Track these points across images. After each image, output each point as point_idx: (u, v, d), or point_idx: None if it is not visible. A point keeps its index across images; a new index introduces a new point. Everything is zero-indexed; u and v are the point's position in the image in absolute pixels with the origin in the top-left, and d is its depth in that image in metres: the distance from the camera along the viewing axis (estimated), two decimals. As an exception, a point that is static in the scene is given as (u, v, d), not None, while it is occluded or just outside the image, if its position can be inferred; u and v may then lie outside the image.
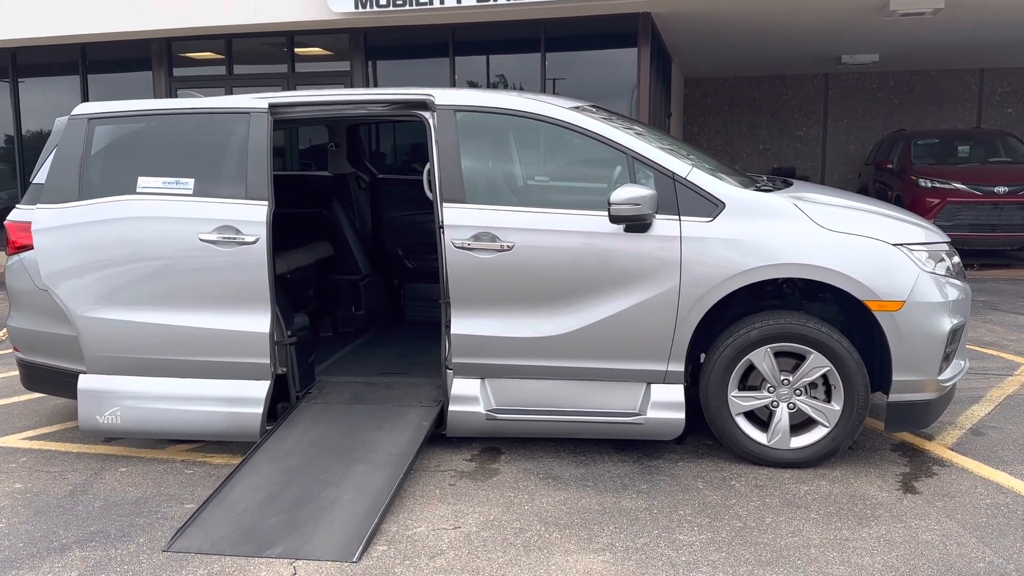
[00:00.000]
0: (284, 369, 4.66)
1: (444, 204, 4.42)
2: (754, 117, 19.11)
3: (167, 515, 3.92)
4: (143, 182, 4.61)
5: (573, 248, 4.27)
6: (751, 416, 4.40)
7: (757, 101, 19.08)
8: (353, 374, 5.11)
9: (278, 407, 4.77)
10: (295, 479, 4.01)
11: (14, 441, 4.96)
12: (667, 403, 4.34)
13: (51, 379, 4.87)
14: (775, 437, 4.32)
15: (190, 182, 4.57)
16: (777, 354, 4.29)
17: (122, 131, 4.78)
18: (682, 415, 4.33)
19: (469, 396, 4.49)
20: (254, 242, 4.43)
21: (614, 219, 4.12)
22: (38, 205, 4.70)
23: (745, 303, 4.47)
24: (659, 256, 4.21)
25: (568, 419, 4.40)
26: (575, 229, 4.29)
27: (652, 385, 4.37)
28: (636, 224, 4.17)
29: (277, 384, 4.66)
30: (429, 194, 4.55)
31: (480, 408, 4.46)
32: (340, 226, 6.24)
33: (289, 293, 5.66)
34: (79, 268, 4.57)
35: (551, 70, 11.49)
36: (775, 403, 4.33)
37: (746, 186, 4.49)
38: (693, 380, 4.52)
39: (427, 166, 4.55)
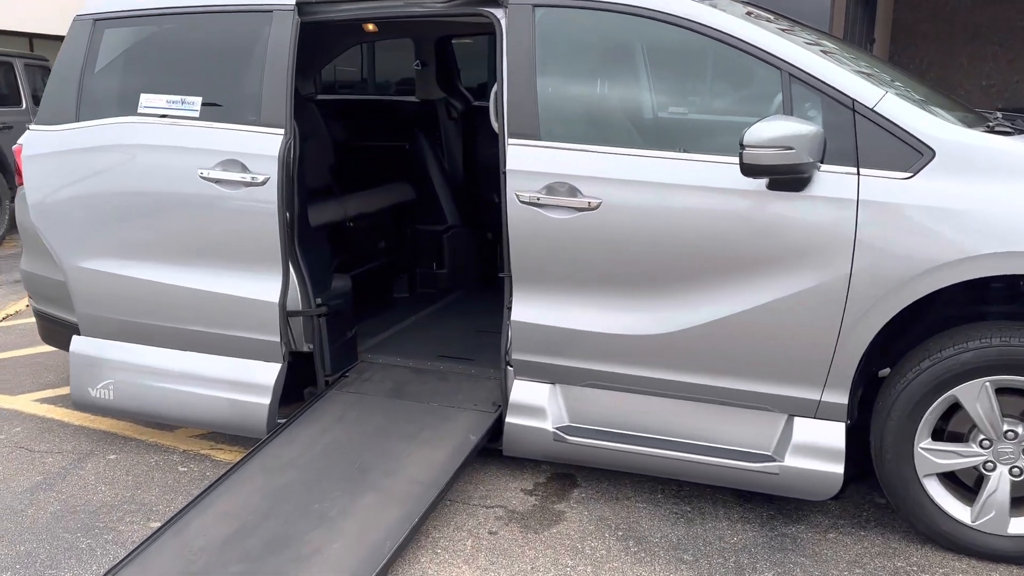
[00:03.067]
0: (310, 346, 3.63)
1: (509, 140, 3.15)
2: (978, 47, 16.08)
3: (120, 537, 3.02)
4: (145, 100, 3.63)
5: (687, 211, 2.90)
6: (949, 478, 2.91)
7: (983, 27, 16.01)
8: (406, 354, 4.00)
9: (305, 392, 3.76)
10: (280, 506, 2.98)
11: (23, 402, 4.27)
12: (817, 448, 2.92)
13: (60, 333, 4.10)
14: (985, 515, 2.82)
15: (197, 101, 3.55)
16: (1000, 390, 2.76)
17: (134, 36, 3.82)
18: (839, 468, 2.90)
19: (533, 406, 3.27)
20: (262, 183, 3.36)
21: (749, 169, 2.69)
22: (31, 126, 3.86)
23: (950, 307, 2.93)
24: (820, 228, 2.76)
25: (668, 454, 3.09)
26: (691, 183, 2.90)
27: (796, 419, 2.96)
28: (785, 178, 2.73)
29: (306, 364, 3.64)
30: (495, 124, 3.29)
31: (547, 424, 3.23)
32: (424, 164, 5.10)
33: (348, 245, 4.61)
34: (68, 206, 3.70)
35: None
36: (990, 464, 2.81)
37: (971, 125, 2.90)
38: (860, 414, 3.05)
39: (494, 87, 3.28)
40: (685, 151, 2.95)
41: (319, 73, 4.89)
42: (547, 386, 3.26)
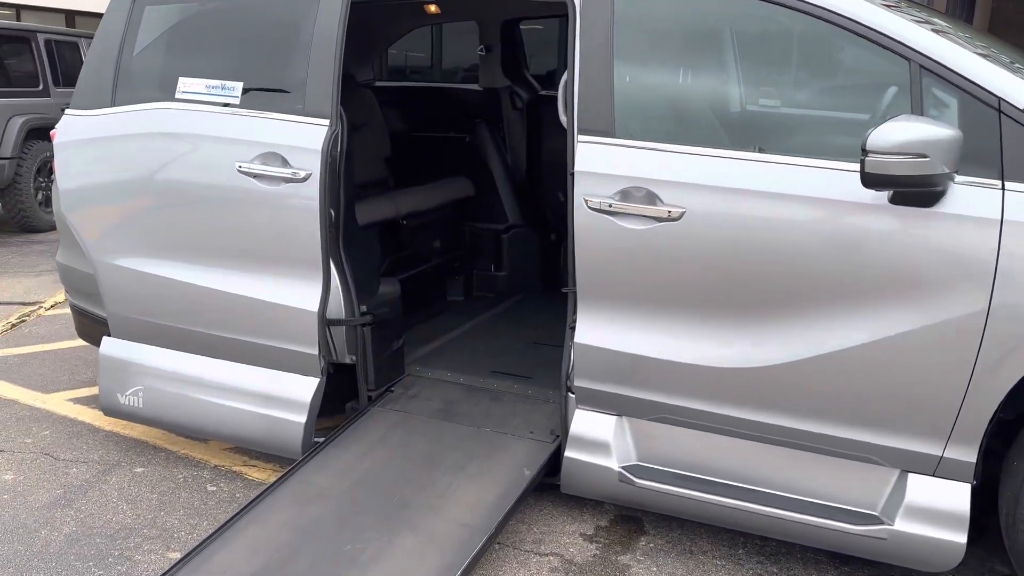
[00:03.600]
0: (353, 358, 3.30)
1: (580, 137, 2.74)
2: (1084, 39, 14.96)
3: (135, 569, 2.73)
4: (184, 85, 3.33)
5: (788, 226, 2.46)
6: (1099, 558, 2.42)
7: (1091, 18, 14.87)
8: (457, 368, 3.65)
9: (347, 407, 3.44)
10: (310, 544, 2.65)
11: (55, 402, 4.06)
12: (935, 511, 2.46)
13: (94, 330, 3.84)
14: None
15: (238, 87, 3.24)
16: None
17: (176, 15, 3.53)
18: (962, 537, 2.44)
19: (597, 440, 2.87)
20: (304, 179, 3.03)
21: (872, 179, 2.24)
22: (67, 110, 3.60)
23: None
24: (952, 253, 2.29)
25: (755, 508, 2.66)
26: (793, 193, 2.45)
27: (911, 476, 2.50)
28: (914, 191, 2.27)
29: (349, 374, 3.32)
30: (563, 118, 2.89)
31: (612, 462, 2.83)
32: (485, 157, 4.73)
33: (400, 245, 4.28)
34: (98, 198, 3.43)
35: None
36: None
37: None
38: (986, 473, 2.58)
39: (563, 76, 2.88)
40: (785, 154, 2.51)
41: (381, 58, 4.57)
42: (613, 418, 2.86)
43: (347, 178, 3.25)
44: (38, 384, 4.25)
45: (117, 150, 3.37)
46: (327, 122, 3.04)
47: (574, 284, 2.81)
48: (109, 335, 3.54)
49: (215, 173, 3.18)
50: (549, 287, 4.81)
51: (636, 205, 2.63)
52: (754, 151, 2.55)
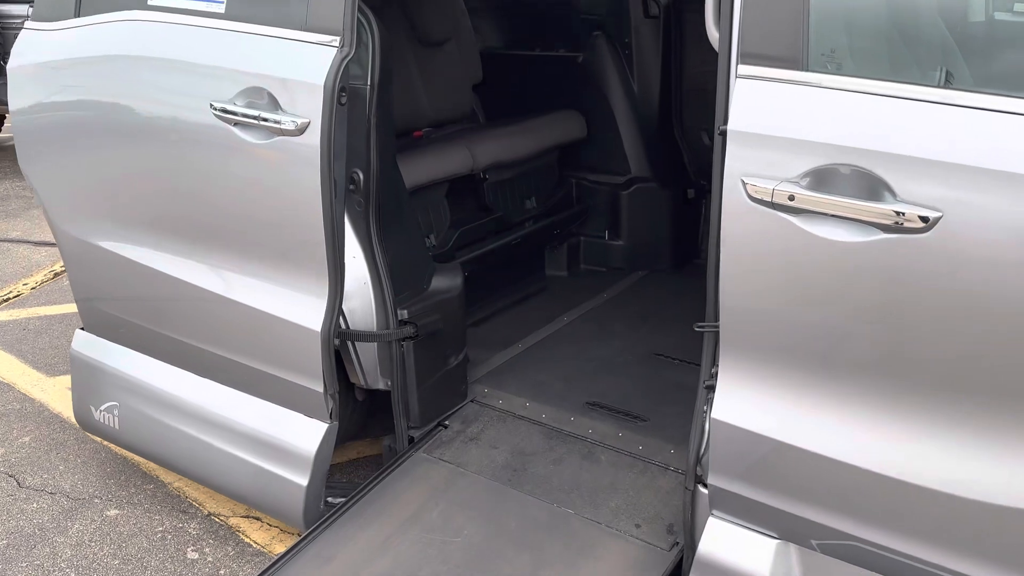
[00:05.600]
0: (387, 383, 2.30)
1: (741, 67, 1.54)
2: None
3: None
4: (158, -14, 2.33)
5: None
6: None
7: None
8: (541, 393, 2.57)
9: (384, 445, 2.46)
10: None
11: (56, 391, 3.27)
12: None
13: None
14: None
15: (223, -11, 2.20)
16: None
17: None
18: None
19: (742, 572, 1.75)
20: (298, 130, 1.97)
21: None
22: (27, 22, 2.67)
23: None
24: None
25: None
26: None
27: None
28: None
29: (383, 403, 2.34)
30: (713, 34, 1.67)
31: (767, 614, 1.72)
32: (602, 85, 3.51)
33: (475, 209, 3.19)
34: (56, 145, 2.51)
35: None
36: None
37: None
38: None
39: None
40: None
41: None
42: (773, 543, 1.73)
43: (381, 125, 2.18)
44: (46, 362, 3.51)
45: (72, 79, 2.43)
46: (336, 41, 1.95)
47: (715, 320, 1.66)
48: (81, 327, 2.69)
49: (185, 116, 2.18)
50: (682, 263, 3.61)
51: (844, 200, 1.43)
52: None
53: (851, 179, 1.43)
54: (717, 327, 1.66)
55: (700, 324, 1.73)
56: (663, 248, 3.58)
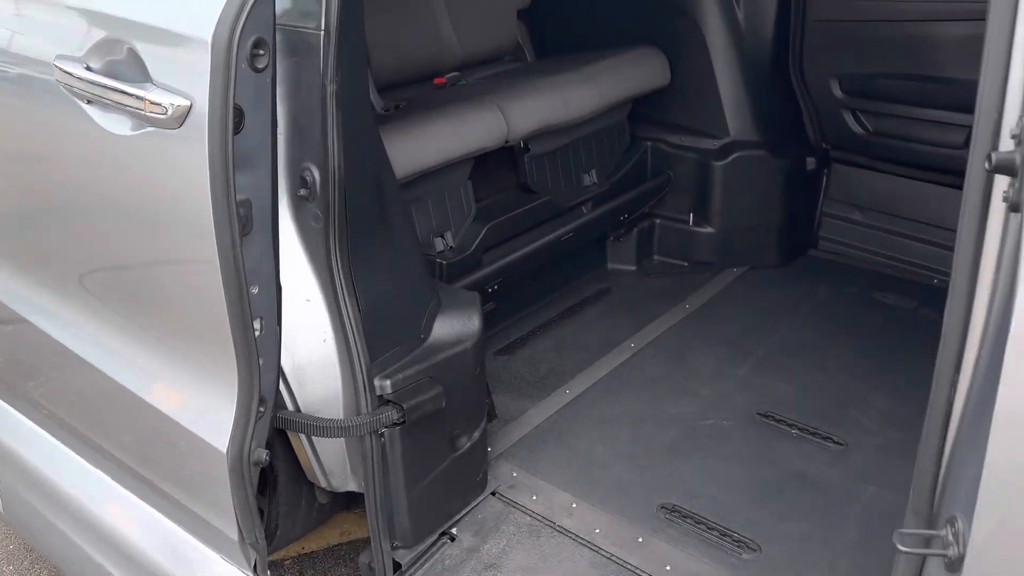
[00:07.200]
0: (361, 483, 1.51)
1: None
2: None
3: None
4: None
5: None
6: None
7: None
8: (595, 489, 1.74)
9: (360, 562, 1.68)
10: None
11: None
12: None
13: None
14: None
15: None
16: None
17: None
18: None
19: None
20: (171, 120, 1.11)
21: None
22: None
23: None
24: None
25: None
26: None
27: None
28: None
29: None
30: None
31: None
32: (693, 12, 2.53)
33: (509, 195, 2.31)
34: None
35: None
36: None
37: None
38: None
39: None
40: None
41: None
42: None
43: (348, 94, 1.32)
44: None
45: None
46: (238, -45, 1.08)
47: (941, 436, 0.79)
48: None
49: (24, 72, 1.35)
50: (791, 258, 2.68)
51: None
52: None
53: None
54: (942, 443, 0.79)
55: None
56: (768, 238, 2.65)
